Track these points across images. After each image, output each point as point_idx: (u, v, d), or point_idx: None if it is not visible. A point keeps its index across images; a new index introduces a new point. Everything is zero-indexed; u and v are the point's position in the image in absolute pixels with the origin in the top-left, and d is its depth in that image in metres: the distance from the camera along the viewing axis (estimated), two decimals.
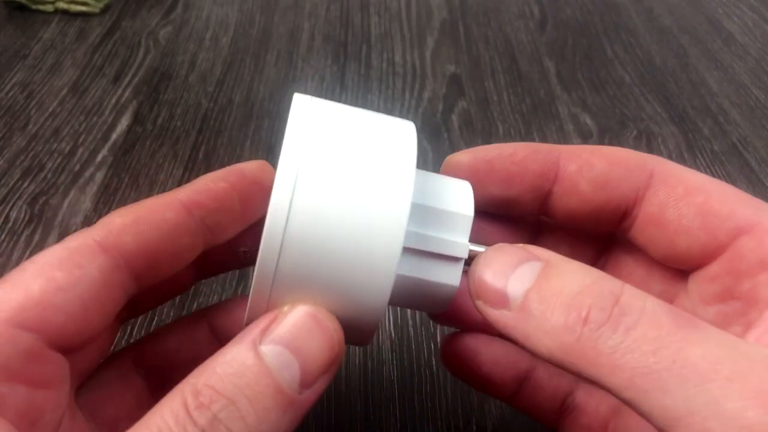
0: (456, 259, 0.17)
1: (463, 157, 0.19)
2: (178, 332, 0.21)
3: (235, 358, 0.14)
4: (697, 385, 0.12)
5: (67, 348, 0.16)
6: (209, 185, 0.17)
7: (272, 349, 0.14)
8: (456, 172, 0.19)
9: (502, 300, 0.15)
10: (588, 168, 0.18)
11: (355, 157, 0.15)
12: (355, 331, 0.17)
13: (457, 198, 0.17)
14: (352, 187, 0.15)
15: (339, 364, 0.15)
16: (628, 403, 0.13)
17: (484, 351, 0.20)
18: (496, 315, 0.15)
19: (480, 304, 0.15)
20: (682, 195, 0.17)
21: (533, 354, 0.14)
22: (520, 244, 0.16)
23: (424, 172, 0.18)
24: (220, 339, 0.21)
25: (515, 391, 0.21)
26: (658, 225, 0.17)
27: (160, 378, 0.20)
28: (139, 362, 0.20)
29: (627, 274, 0.20)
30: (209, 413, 0.13)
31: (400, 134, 0.16)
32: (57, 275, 0.15)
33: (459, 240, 0.17)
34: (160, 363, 0.20)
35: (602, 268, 0.20)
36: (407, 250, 0.16)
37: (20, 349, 0.15)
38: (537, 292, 0.14)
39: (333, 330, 0.15)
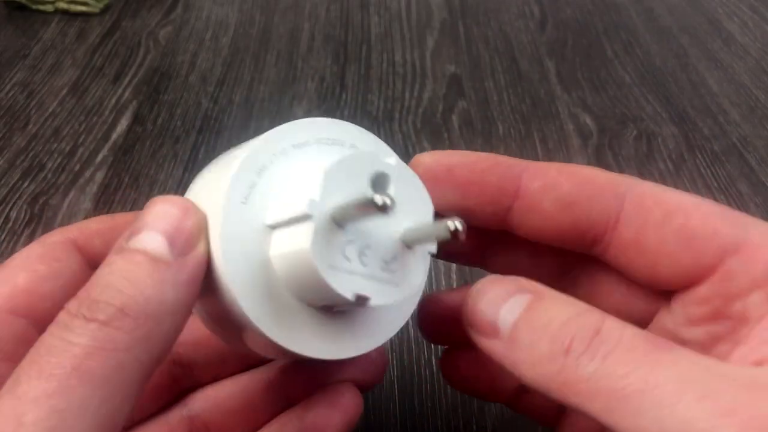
0: (301, 218, 0.15)
1: (425, 158, 0.18)
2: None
3: (105, 263, 0.15)
4: (669, 406, 0.12)
5: None
6: None
7: (133, 239, 0.15)
8: (416, 172, 0.18)
9: (493, 330, 0.15)
10: (552, 187, 0.17)
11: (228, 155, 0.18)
12: (224, 330, 0.17)
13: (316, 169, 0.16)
14: (217, 169, 0.18)
15: (204, 230, 0.15)
16: (609, 427, 0.13)
17: (487, 366, 0.20)
18: (488, 344, 0.16)
19: (473, 333, 0.16)
20: (660, 219, 0.16)
21: (522, 382, 0.15)
22: (512, 277, 0.16)
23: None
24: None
25: (515, 397, 0.21)
26: (636, 251, 0.17)
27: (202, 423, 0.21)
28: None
29: (607, 293, 0.19)
30: (87, 300, 0.14)
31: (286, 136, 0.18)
32: (39, 268, 0.17)
33: (302, 197, 0.15)
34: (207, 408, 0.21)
35: (574, 283, 0.20)
36: (271, 229, 0.16)
37: (13, 332, 0.16)
38: (525, 323, 0.15)
39: (182, 200, 0.16)
